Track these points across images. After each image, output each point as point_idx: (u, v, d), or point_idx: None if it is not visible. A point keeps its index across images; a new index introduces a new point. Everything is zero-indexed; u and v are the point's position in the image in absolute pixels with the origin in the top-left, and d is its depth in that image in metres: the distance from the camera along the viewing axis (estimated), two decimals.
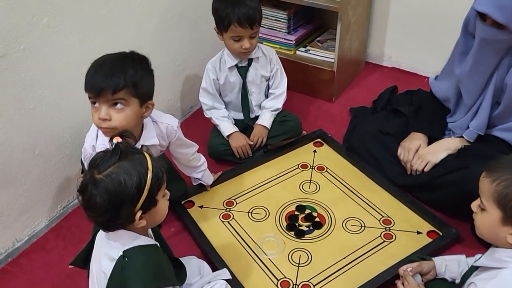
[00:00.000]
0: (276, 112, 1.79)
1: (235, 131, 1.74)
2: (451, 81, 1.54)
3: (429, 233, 1.46)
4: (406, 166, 1.58)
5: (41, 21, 1.34)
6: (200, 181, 1.60)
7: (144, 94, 1.22)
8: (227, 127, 1.73)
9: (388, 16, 2.21)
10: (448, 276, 1.22)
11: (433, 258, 1.25)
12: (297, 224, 1.51)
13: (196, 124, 2.00)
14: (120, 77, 1.15)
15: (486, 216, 0.99)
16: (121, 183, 0.93)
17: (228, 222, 1.54)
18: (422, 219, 1.50)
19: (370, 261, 1.38)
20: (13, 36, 1.28)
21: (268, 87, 1.81)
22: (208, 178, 1.61)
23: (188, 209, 1.57)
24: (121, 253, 0.98)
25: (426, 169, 1.51)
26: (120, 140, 0.98)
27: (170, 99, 1.95)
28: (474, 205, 1.04)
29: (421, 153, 1.54)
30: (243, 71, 1.72)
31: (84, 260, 1.14)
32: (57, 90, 1.46)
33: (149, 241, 1.04)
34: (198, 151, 1.53)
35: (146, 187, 0.95)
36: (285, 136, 1.80)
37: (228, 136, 1.73)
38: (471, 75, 1.43)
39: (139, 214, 0.97)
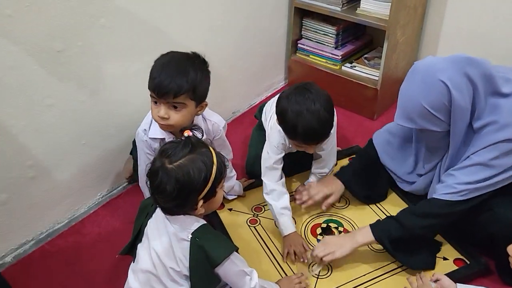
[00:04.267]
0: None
1: (293, 232, 1.47)
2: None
3: (455, 261, 1.43)
4: (302, 197, 1.55)
5: (98, 21, 1.44)
6: (232, 196, 1.65)
7: (201, 96, 1.30)
8: (285, 226, 1.47)
9: (439, 38, 2.18)
10: None
11: (458, 285, 1.22)
12: (323, 236, 1.52)
13: (234, 131, 2.04)
14: (183, 81, 1.23)
15: None
16: (190, 175, 1.03)
17: (254, 227, 1.57)
18: (450, 246, 1.47)
19: (391, 281, 1.37)
20: (72, 33, 1.39)
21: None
22: (239, 187, 1.66)
23: (217, 211, 1.62)
24: (191, 236, 1.08)
25: (325, 259, 1.35)
26: (190, 133, 1.07)
27: (212, 103, 2.01)
28: (510, 249, 1.01)
29: (327, 241, 1.38)
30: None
31: (130, 248, 1.24)
32: (107, 86, 1.56)
33: (204, 221, 1.14)
34: (233, 160, 1.59)
35: (210, 179, 1.06)
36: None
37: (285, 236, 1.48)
38: (429, 158, 1.46)
39: (201, 203, 1.08)
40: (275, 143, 1.49)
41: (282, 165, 1.51)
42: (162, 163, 1.05)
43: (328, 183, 1.59)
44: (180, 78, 1.23)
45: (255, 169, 1.63)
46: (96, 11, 1.43)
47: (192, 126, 1.15)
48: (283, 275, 1.40)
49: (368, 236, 1.36)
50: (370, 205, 1.64)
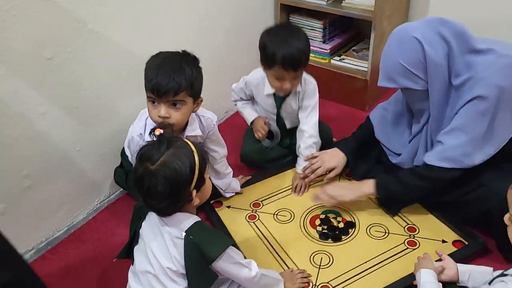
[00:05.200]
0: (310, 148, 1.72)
1: (256, 117, 1.76)
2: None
3: (454, 243, 1.44)
4: (307, 170, 1.63)
5: (86, 27, 1.45)
6: (229, 193, 1.66)
7: (197, 92, 1.33)
8: (249, 115, 1.77)
9: None
10: (470, 286, 1.21)
11: (458, 265, 1.23)
12: (325, 227, 1.54)
13: (228, 130, 2.06)
14: (181, 79, 1.25)
15: None
16: (177, 169, 1.04)
17: (253, 222, 1.58)
18: (448, 228, 1.48)
19: (391, 266, 1.38)
20: (61, 40, 1.39)
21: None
22: (236, 184, 1.67)
23: (216, 209, 1.63)
24: (185, 233, 1.08)
25: (331, 202, 1.54)
26: (162, 131, 1.08)
27: (205, 103, 2.02)
28: (506, 218, 1.03)
29: (339, 184, 1.60)
30: (278, 100, 1.71)
31: (127, 251, 1.25)
32: (98, 91, 1.57)
33: (198, 218, 1.14)
34: (229, 158, 1.60)
35: (196, 167, 1.07)
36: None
37: (251, 122, 1.77)
38: (416, 121, 1.51)
39: (194, 193, 1.08)
40: (251, 78, 1.71)
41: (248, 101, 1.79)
42: (144, 167, 1.05)
43: (330, 157, 1.63)
44: (177, 76, 1.24)
45: (249, 157, 1.76)
46: (84, 16, 1.43)
47: (161, 124, 1.16)
48: (285, 268, 1.41)
49: (370, 188, 1.48)
50: None
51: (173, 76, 1.24)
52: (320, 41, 2.20)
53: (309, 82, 1.68)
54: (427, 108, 1.41)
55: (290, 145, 1.82)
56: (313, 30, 2.19)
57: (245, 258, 1.19)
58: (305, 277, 1.35)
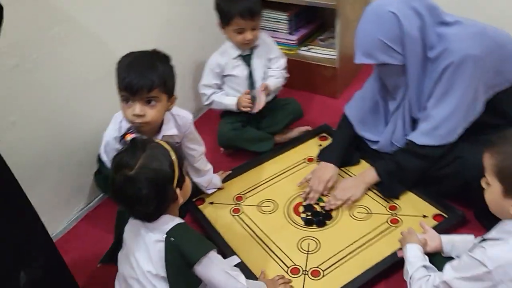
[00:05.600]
0: (277, 78, 1.84)
1: (238, 97, 1.80)
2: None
3: (435, 217, 1.49)
4: (311, 194, 1.58)
5: (50, 31, 1.42)
6: (211, 189, 1.66)
7: (171, 89, 1.32)
8: (231, 100, 1.80)
9: None
10: (454, 255, 1.24)
11: (441, 236, 1.27)
12: (309, 214, 1.55)
13: (203, 128, 2.04)
14: (154, 75, 1.23)
15: (491, 191, 1.01)
16: (157, 170, 1.02)
17: (238, 216, 1.58)
18: (427, 204, 1.53)
19: (377, 245, 1.41)
20: (26, 46, 1.36)
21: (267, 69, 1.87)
22: (217, 180, 1.67)
23: (199, 206, 1.62)
24: (165, 235, 1.06)
25: (347, 204, 1.54)
26: (133, 135, 1.06)
27: (178, 102, 2.01)
28: (482, 182, 1.07)
29: (344, 186, 1.57)
30: (247, 59, 1.80)
31: (110, 256, 1.23)
32: (68, 97, 1.53)
33: (181, 220, 1.12)
34: (206, 155, 1.60)
35: (175, 164, 1.05)
36: (289, 119, 1.87)
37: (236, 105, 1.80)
38: (392, 99, 1.54)
39: (178, 191, 1.07)
40: (210, 66, 1.79)
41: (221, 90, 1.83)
42: (123, 174, 1.02)
43: (323, 171, 1.61)
44: (150, 72, 1.23)
45: (227, 136, 1.81)
46: (47, 21, 1.40)
47: (129, 129, 1.14)
48: (274, 257, 1.42)
49: (373, 176, 1.54)
50: (345, 178, 1.67)
51: (146, 73, 1.23)
52: (287, 32, 2.21)
53: (266, 36, 1.85)
54: (403, 83, 1.45)
55: (266, 126, 1.86)
56: (279, 22, 2.20)
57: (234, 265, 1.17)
58: (287, 283, 1.32)
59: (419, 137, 1.44)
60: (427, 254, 1.24)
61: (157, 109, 1.28)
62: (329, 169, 1.61)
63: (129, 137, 1.07)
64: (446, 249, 1.25)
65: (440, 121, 1.39)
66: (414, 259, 1.19)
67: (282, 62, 1.88)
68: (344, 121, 1.70)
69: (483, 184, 1.05)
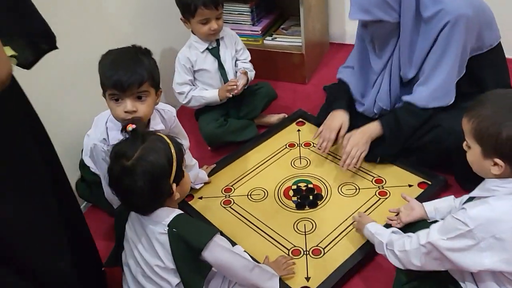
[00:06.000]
0: (251, 71, 1.88)
1: (218, 89, 1.80)
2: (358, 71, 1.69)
3: (419, 184, 1.56)
4: (325, 144, 1.63)
5: None
6: (199, 184, 1.65)
7: (158, 83, 1.31)
8: (211, 93, 1.79)
9: None
10: (439, 218, 1.29)
11: (423, 204, 1.31)
12: (298, 197, 1.58)
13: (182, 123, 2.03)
14: (142, 70, 1.23)
15: (472, 153, 1.06)
16: (154, 163, 1.01)
17: (230, 207, 1.59)
18: (411, 173, 1.60)
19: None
20: None
21: (236, 63, 1.88)
22: (204, 174, 1.67)
23: (189, 202, 1.61)
24: (167, 228, 1.05)
25: (361, 157, 1.56)
26: (134, 126, 1.04)
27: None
28: (464, 145, 1.12)
29: (354, 141, 1.56)
30: (215, 52, 1.80)
31: (115, 259, 1.21)
32: (44, 103, 1.46)
33: (180, 211, 1.11)
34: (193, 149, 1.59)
35: (174, 160, 1.04)
36: (264, 101, 1.91)
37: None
38: (377, 58, 1.59)
39: (174, 186, 1.06)
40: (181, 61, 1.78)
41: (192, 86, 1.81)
42: (121, 164, 1.02)
43: (332, 119, 1.65)
44: (138, 67, 1.22)
45: (213, 134, 1.79)
46: None
47: (133, 119, 1.14)
48: (273, 242, 1.43)
49: (378, 129, 1.56)
50: (329, 158, 1.72)
51: (135, 68, 1.21)
52: (250, 24, 2.23)
53: (229, 29, 1.87)
54: (393, 43, 1.50)
55: (246, 114, 1.88)
56: (242, 14, 2.22)
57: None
58: (290, 263, 1.33)
59: (421, 100, 1.49)
60: (413, 222, 1.29)
61: (148, 104, 1.26)
62: (338, 117, 1.65)
63: (130, 127, 1.05)
64: (430, 214, 1.29)
65: (440, 83, 1.46)
66: (381, 230, 1.23)
67: (248, 53, 1.91)
68: (339, 82, 1.74)
69: (465, 147, 1.10)
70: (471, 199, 1.17)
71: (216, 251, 1.07)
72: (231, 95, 1.76)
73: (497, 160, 0.97)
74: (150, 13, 1.92)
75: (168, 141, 1.07)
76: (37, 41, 0.77)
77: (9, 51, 0.71)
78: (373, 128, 1.57)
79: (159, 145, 1.05)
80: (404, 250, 1.10)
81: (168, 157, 1.05)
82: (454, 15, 1.38)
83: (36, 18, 0.77)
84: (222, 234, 1.42)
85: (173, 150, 1.06)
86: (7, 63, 0.65)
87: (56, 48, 0.79)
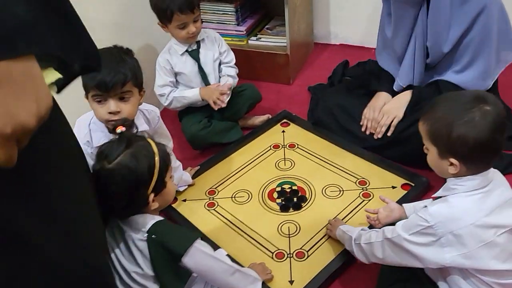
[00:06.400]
0: (234, 78, 1.85)
1: (201, 88, 1.77)
2: (388, 52, 1.70)
3: (403, 186, 1.56)
4: (370, 124, 1.67)
5: None
6: (183, 186, 1.64)
7: (141, 83, 1.31)
8: (193, 92, 1.76)
9: None
10: None
11: (404, 205, 1.33)
12: (282, 199, 1.58)
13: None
14: (126, 70, 1.23)
15: (430, 155, 1.08)
16: (133, 170, 0.99)
17: (214, 209, 1.58)
18: (394, 175, 1.60)
19: (354, 220, 1.47)
20: None
21: (220, 67, 1.86)
22: (188, 176, 1.65)
23: (172, 205, 1.60)
24: (146, 234, 1.03)
25: (393, 123, 1.61)
26: (123, 129, 1.03)
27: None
28: (424, 149, 1.13)
29: (386, 109, 1.64)
30: (195, 54, 1.78)
31: None
32: None
33: (160, 217, 1.10)
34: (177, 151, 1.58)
35: (155, 170, 1.02)
36: (248, 103, 1.89)
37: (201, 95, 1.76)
38: (395, 34, 1.59)
39: (151, 196, 1.04)
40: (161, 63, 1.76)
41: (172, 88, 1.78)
42: (101, 165, 1.01)
43: (375, 100, 1.69)
44: (122, 67, 1.22)
45: (198, 136, 1.77)
46: None
47: (125, 121, 1.12)
48: (256, 245, 1.43)
49: (408, 95, 1.61)
50: (313, 160, 1.72)
51: (117, 68, 1.20)
52: (235, 24, 2.22)
53: (213, 32, 1.85)
54: (413, 15, 1.51)
55: (230, 115, 1.86)
56: (226, 14, 2.20)
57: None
58: (266, 268, 1.32)
59: (467, 82, 1.52)
60: (392, 223, 1.30)
61: (132, 104, 1.26)
62: (381, 98, 1.68)
63: (119, 129, 1.04)
64: (409, 215, 1.31)
65: (482, 69, 1.50)
66: (351, 228, 1.27)
67: (232, 55, 1.89)
68: (384, 72, 1.75)
69: (425, 150, 1.12)
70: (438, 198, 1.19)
71: (196, 257, 1.06)
72: (216, 108, 1.73)
73: (452, 160, 1.00)
74: (130, 15, 1.89)
75: (155, 150, 1.05)
76: (84, 63, 0.65)
77: (52, 75, 0.60)
78: (404, 95, 1.62)
79: (143, 153, 1.03)
80: (370, 242, 1.14)
81: (149, 166, 1.02)
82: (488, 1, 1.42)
83: (85, 36, 0.68)
84: (204, 238, 1.43)
85: (156, 159, 1.04)
86: (47, 96, 0.56)
87: (99, 70, 0.71)
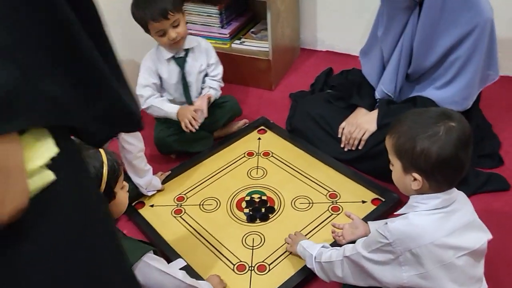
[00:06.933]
0: (216, 91, 1.81)
1: (180, 107, 1.71)
2: (375, 53, 1.64)
3: (373, 201, 1.53)
4: (345, 138, 1.64)
5: None
6: (151, 191, 1.61)
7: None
8: (171, 108, 1.71)
9: (316, 1, 2.28)
10: None
11: (368, 223, 1.31)
12: (250, 209, 1.55)
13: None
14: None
15: (395, 171, 1.07)
16: None
17: (180, 217, 1.55)
18: (365, 189, 1.57)
19: (320, 234, 1.44)
20: None
21: (204, 78, 1.81)
22: (157, 181, 1.62)
23: (139, 210, 1.57)
24: None
25: (364, 138, 1.59)
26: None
27: None
28: (390, 166, 1.11)
29: (358, 122, 1.61)
30: (180, 62, 1.74)
31: None
32: None
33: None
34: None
35: (103, 180, 1.00)
36: (227, 116, 1.85)
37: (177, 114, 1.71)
38: (384, 35, 1.55)
39: None
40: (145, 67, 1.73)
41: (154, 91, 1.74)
42: None
43: (355, 116, 1.66)
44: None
45: (166, 142, 1.74)
46: None
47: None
48: (219, 255, 1.40)
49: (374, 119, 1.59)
50: (285, 170, 1.69)
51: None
52: (219, 26, 2.19)
53: (204, 42, 1.83)
54: (403, 18, 1.47)
55: (205, 126, 1.78)
56: (210, 16, 2.17)
57: (171, 260, 1.16)
58: (221, 282, 1.30)
59: (444, 100, 1.49)
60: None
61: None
62: (360, 114, 1.65)
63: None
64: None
65: (463, 88, 1.47)
66: (312, 245, 1.25)
67: (220, 70, 1.82)
68: (364, 81, 1.72)
69: (390, 167, 1.10)
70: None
71: (145, 271, 1.04)
72: (186, 131, 1.67)
73: (415, 175, 1.00)
74: (116, 17, 1.86)
75: (104, 159, 1.02)
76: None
77: (47, 150, 0.47)
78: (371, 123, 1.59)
79: (90, 163, 0.99)
80: (330, 261, 1.13)
81: (96, 177, 1.00)
82: (484, 18, 1.38)
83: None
84: (165, 246, 1.41)
85: (104, 169, 1.01)
86: (21, 194, 0.43)
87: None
